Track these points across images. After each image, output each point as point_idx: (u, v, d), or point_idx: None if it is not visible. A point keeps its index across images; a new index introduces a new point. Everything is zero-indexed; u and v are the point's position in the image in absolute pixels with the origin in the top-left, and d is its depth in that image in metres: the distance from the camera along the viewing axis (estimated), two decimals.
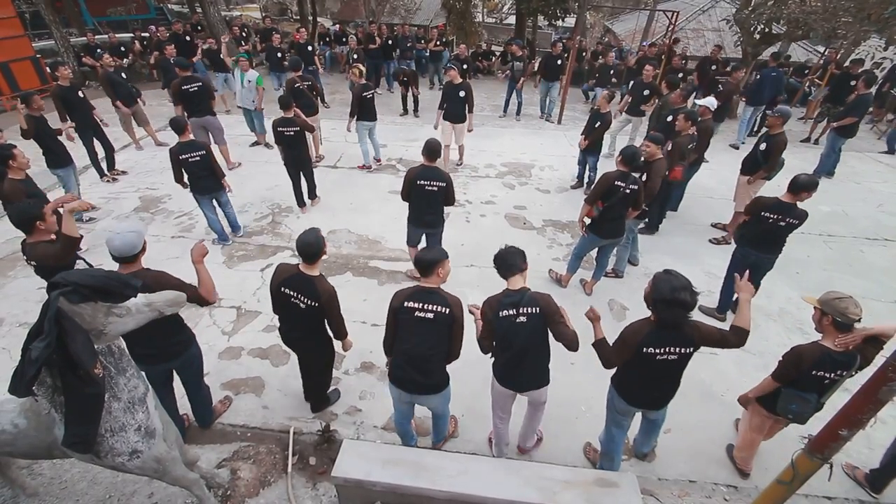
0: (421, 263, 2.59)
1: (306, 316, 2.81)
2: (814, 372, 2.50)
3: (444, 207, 4.31)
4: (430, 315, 2.53)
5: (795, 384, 2.59)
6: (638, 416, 2.85)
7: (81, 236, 3.13)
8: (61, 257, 3.04)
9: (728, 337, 2.41)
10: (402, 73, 9.49)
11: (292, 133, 5.44)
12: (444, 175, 4.12)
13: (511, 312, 2.52)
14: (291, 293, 2.77)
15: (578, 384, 3.64)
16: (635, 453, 3.20)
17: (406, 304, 2.57)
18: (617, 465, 2.91)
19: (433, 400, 2.77)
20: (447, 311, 2.54)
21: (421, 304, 2.54)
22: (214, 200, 5.16)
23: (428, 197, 4.13)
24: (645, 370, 2.48)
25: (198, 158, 4.80)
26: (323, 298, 2.71)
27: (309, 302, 2.74)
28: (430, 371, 2.64)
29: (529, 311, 2.51)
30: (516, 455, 3.21)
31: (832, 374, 2.50)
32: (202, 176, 4.89)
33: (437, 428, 3.11)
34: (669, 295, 2.25)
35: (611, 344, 2.56)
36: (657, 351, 2.38)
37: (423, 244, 4.53)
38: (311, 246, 2.66)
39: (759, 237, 3.95)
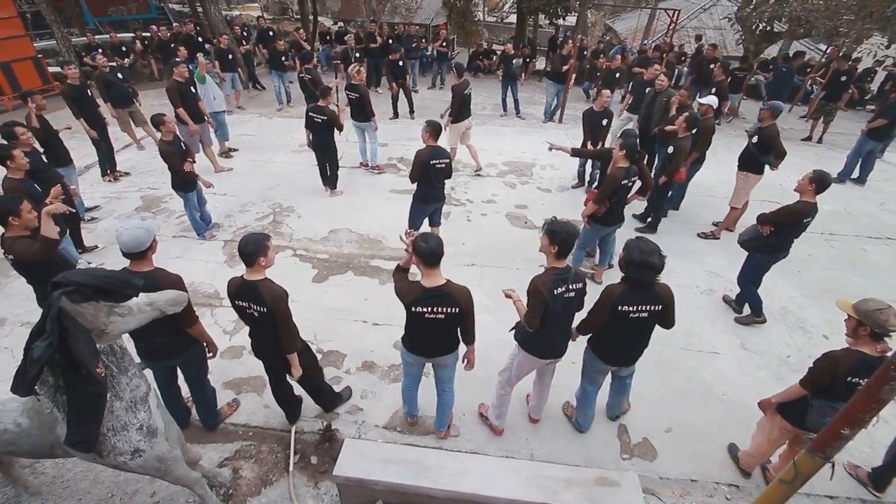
0: (432, 256, 2.46)
1: (263, 325, 2.65)
2: (849, 379, 2.38)
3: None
4: (442, 316, 2.58)
5: (826, 393, 2.47)
6: (607, 381, 3.15)
7: (59, 239, 3.15)
8: (39, 256, 3.06)
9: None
10: (395, 51, 9.02)
11: (320, 120, 5.82)
12: (447, 153, 4.70)
13: (563, 289, 2.62)
14: (244, 304, 2.61)
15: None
16: (609, 416, 3.37)
17: (414, 309, 2.56)
18: (590, 418, 3.23)
19: (447, 359, 2.89)
20: (457, 311, 2.57)
21: (431, 308, 2.55)
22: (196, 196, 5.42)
23: (438, 173, 4.62)
24: (620, 330, 2.70)
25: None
26: (269, 303, 2.53)
27: (259, 309, 2.57)
28: (445, 349, 2.84)
29: (576, 286, 2.66)
30: (527, 423, 3.40)
31: (865, 381, 2.46)
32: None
33: (442, 401, 3.11)
34: (639, 258, 2.49)
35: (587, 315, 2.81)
36: (630, 309, 2.59)
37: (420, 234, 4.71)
38: (246, 245, 2.50)
39: (790, 242, 3.94)
